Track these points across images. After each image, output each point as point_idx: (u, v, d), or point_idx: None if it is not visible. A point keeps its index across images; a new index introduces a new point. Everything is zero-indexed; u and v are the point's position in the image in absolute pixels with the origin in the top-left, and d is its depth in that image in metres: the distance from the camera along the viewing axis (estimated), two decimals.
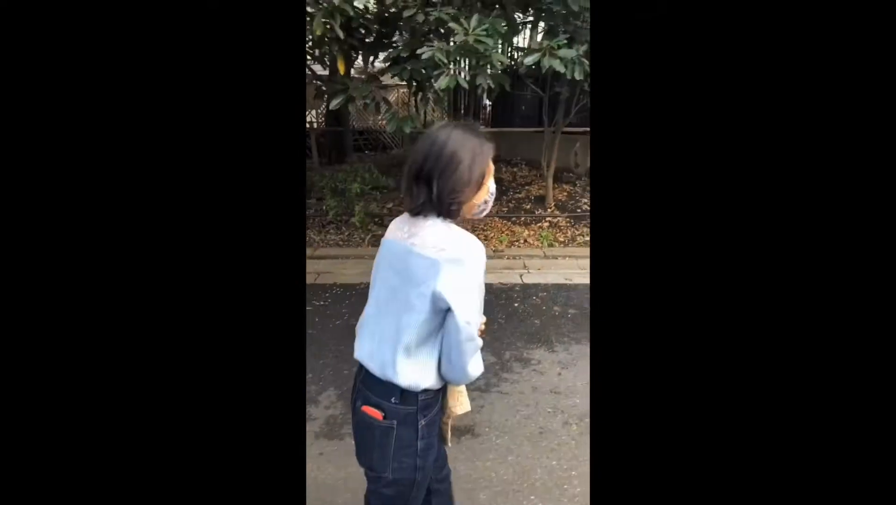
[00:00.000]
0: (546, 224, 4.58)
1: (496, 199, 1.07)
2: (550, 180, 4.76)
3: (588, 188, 5.14)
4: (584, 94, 4.09)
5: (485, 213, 1.10)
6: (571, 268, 3.83)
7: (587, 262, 4.01)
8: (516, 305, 3.19)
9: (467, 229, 1.03)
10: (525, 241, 4.33)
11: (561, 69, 2.90)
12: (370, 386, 1.03)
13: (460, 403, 1.15)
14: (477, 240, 0.99)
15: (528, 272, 3.73)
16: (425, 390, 1.01)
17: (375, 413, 1.01)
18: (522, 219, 4.64)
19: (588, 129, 4.71)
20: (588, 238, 4.37)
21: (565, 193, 5.09)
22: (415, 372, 0.99)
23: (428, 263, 0.94)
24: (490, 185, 1.06)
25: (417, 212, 1.01)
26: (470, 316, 0.95)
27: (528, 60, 2.85)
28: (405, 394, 1.00)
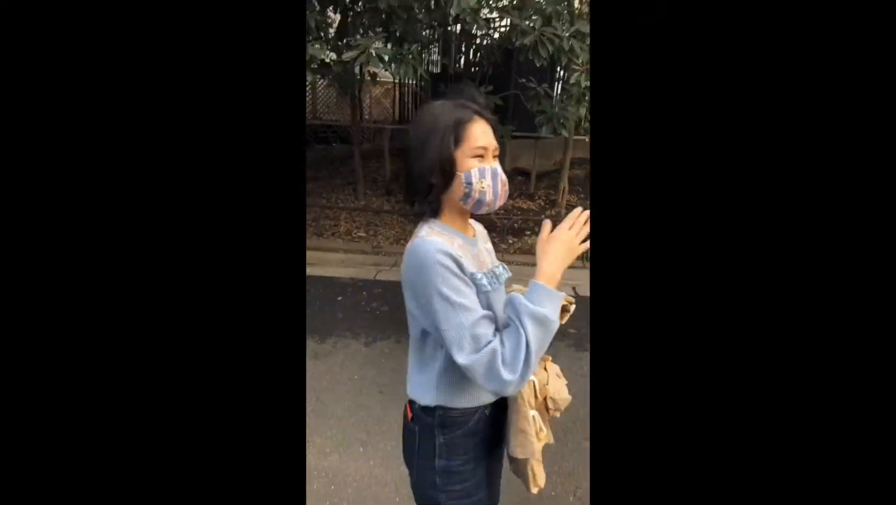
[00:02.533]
0: None
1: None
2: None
3: None
4: None
5: (487, 208, 0.87)
6: None
7: None
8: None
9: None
10: None
11: (379, 68, 2.94)
12: None
13: (555, 390, 0.98)
14: (429, 241, 0.80)
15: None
16: (440, 407, 0.91)
17: (409, 409, 0.97)
18: None
19: None
20: None
21: None
22: (416, 386, 0.93)
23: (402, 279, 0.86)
24: (470, 170, 0.83)
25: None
26: (449, 331, 0.77)
27: (345, 57, 2.90)
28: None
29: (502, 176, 0.87)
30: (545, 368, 1.00)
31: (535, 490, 0.98)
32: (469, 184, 0.83)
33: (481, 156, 0.84)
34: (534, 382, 0.95)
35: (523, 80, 4.49)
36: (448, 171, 0.83)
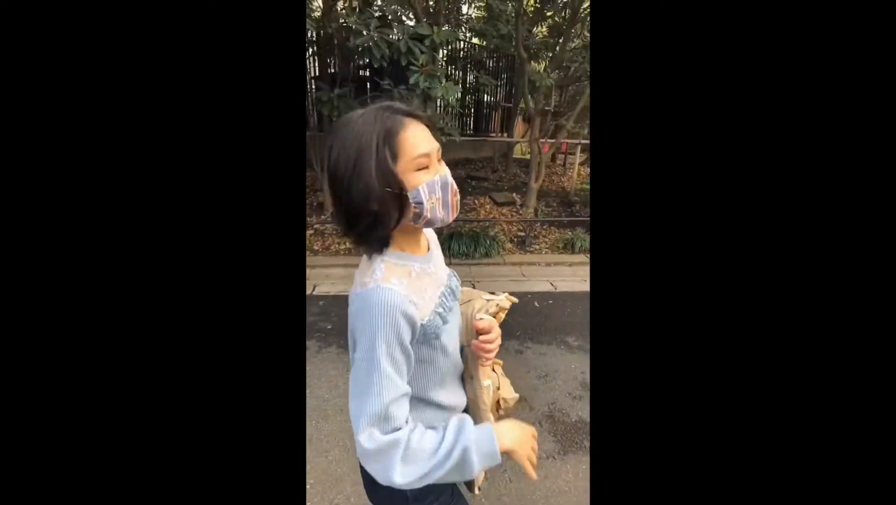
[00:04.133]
0: (311, 232, 4.48)
1: None
2: (326, 186, 4.67)
3: None
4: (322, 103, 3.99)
5: (441, 223, 0.74)
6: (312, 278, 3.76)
7: (332, 270, 3.91)
8: None
9: None
10: None
11: None
12: None
13: (505, 390, 0.92)
14: (386, 290, 0.68)
15: None
16: None
17: None
18: None
19: None
20: (349, 246, 4.27)
21: None
22: None
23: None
24: (417, 187, 0.69)
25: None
26: (363, 397, 0.67)
27: None
28: None
29: (452, 185, 0.73)
30: (493, 370, 0.96)
31: (477, 491, 0.96)
32: (420, 203, 0.69)
33: (426, 165, 0.70)
34: (491, 387, 0.91)
35: (382, 83, 4.51)
36: (394, 193, 0.68)
